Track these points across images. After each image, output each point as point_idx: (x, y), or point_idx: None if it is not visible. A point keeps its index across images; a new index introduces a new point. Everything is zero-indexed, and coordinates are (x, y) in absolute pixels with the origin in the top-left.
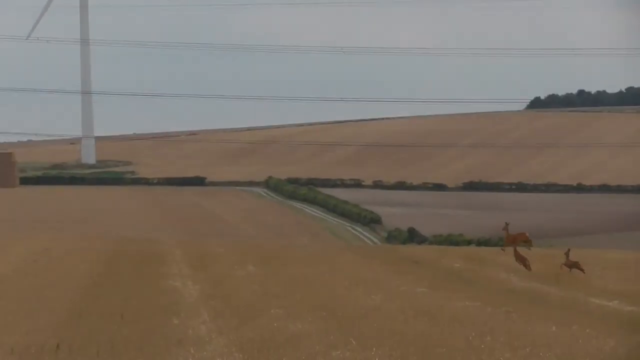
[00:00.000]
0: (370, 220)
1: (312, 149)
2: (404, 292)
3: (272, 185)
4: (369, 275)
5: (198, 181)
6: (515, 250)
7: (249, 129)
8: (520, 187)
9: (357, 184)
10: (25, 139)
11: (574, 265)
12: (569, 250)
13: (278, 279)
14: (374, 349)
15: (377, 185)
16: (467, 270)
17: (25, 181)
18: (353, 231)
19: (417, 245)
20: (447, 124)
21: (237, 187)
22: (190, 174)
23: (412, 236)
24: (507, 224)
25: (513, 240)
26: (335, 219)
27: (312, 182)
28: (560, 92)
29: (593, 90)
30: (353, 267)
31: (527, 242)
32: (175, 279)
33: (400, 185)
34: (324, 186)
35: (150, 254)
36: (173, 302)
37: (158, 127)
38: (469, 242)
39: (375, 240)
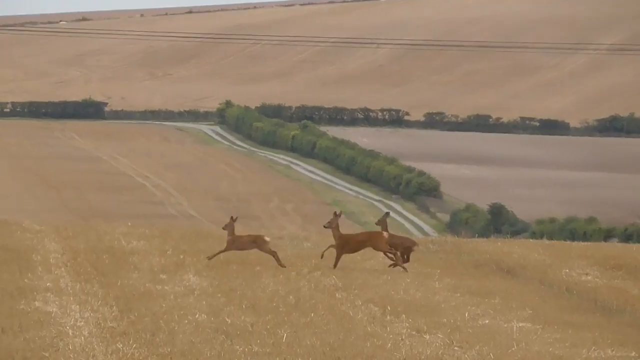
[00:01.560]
0: (420, 190)
1: (309, 51)
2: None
3: (231, 118)
4: (423, 295)
5: (92, 109)
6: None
7: (190, 10)
8: None
9: (395, 119)
10: None
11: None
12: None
13: (245, 300)
14: None
15: (432, 120)
16: (621, 292)
17: None
18: (386, 210)
19: (512, 239)
20: None
21: (166, 122)
22: (76, 95)
23: (499, 221)
24: (387, 213)
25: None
26: (352, 187)
27: (308, 115)
28: None
29: None
30: (387, 280)
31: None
32: (47, 301)
33: (480, 121)
34: (332, 122)
35: (3, 251)
36: (47, 343)
37: (19, 9)
38: (608, 234)
39: (428, 228)
